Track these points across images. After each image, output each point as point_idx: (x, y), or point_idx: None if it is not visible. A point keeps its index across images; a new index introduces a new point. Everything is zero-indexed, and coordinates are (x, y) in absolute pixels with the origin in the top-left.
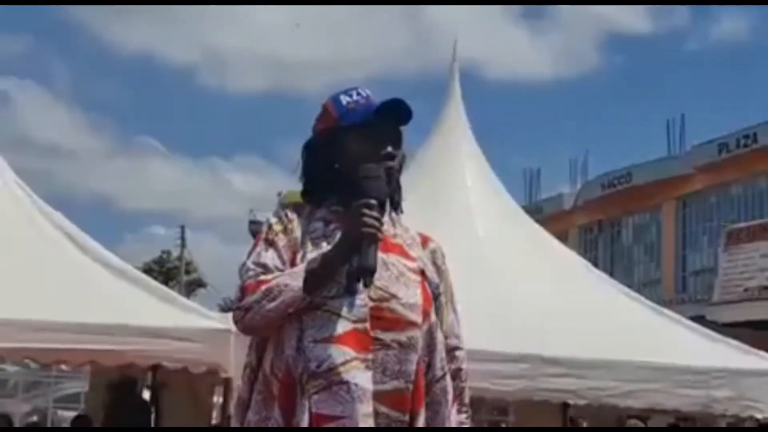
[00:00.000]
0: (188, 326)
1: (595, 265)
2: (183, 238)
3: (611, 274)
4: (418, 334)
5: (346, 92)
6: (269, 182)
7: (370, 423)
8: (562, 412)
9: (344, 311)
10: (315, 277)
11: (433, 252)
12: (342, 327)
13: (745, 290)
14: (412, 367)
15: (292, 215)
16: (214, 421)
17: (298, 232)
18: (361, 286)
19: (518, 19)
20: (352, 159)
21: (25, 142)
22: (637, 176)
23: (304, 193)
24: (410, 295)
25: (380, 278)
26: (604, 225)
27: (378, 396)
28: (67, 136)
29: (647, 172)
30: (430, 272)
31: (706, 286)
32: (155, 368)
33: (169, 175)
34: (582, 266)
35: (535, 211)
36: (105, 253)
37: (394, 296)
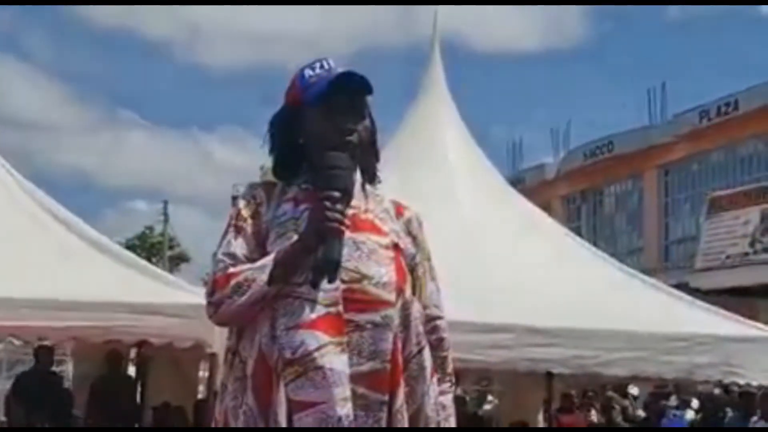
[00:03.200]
0: (172, 302)
1: (578, 234)
2: (166, 213)
3: (594, 244)
4: (392, 313)
5: (311, 65)
6: (252, 155)
7: (348, 407)
8: (546, 381)
9: (315, 296)
10: (281, 270)
11: (408, 222)
12: (314, 312)
13: (728, 257)
14: (388, 347)
15: (262, 197)
16: (199, 396)
17: (268, 215)
18: (325, 281)
19: None
20: (313, 135)
21: (3, 117)
22: (618, 145)
23: (275, 168)
24: (383, 274)
25: (351, 259)
26: (587, 194)
27: (355, 378)
28: (45, 111)
29: (629, 140)
30: (405, 244)
31: (688, 254)
32: (140, 344)
33: (150, 149)
34: (564, 235)
35: (517, 181)
36: (88, 229)
37: (365, 276)
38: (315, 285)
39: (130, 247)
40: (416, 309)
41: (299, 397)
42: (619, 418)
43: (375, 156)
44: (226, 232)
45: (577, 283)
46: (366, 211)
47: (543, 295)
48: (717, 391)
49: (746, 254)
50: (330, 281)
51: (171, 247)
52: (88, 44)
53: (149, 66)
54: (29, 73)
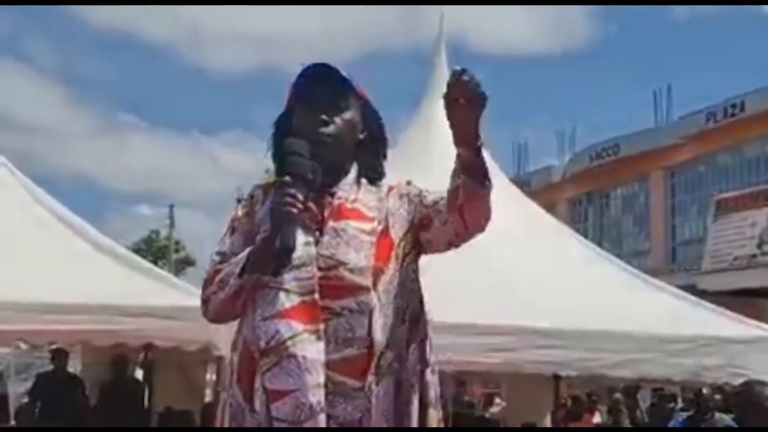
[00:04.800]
0: (179, 305)
1: (585, 236)
2: (172, 218)
3: (600, 245)
4: (368, 298)
5: (305, 69)
6: (256, 158)
7: (320, 393)
8: (553, 384)
9: (291, 285)
10: (253, 262)
11: (396, 192)
12: (289, 301)
13: (735, 259)
14: (365, 333)
15: (259, 196)
16: (207, 399)
17: (262, 212)
18: (304, 269)
19: None
20: (295, 132)
21: (6, 121)
22: (624, 147)
23: (277, 170)
24: (360, 259)
25: (329, 246)
26: (593, 196)
27: (333, 365)
28: (48, 115)
29: (635, 142)
30: (399, 216)
31: (695, 256)
32: (147, 347)
33: (152, 152)
34: (569, 237)
35: (523, 183)
36: (94, 233)
37: (341, 263)
38: (275, 273)
39: (136, 250)
40: (404, 278)
41: (274, 386)
42: (626, 422)
43: (377, 153)
44: (224, 234)
45: (582, 285)
46: (354, 200)
47: (548, 297)
48: (705, 391)
49: (754, 256)
50: (283, 266)
51: (177, 251)
52: (90, 47)
53: (151, 69)
54: (31, 76)
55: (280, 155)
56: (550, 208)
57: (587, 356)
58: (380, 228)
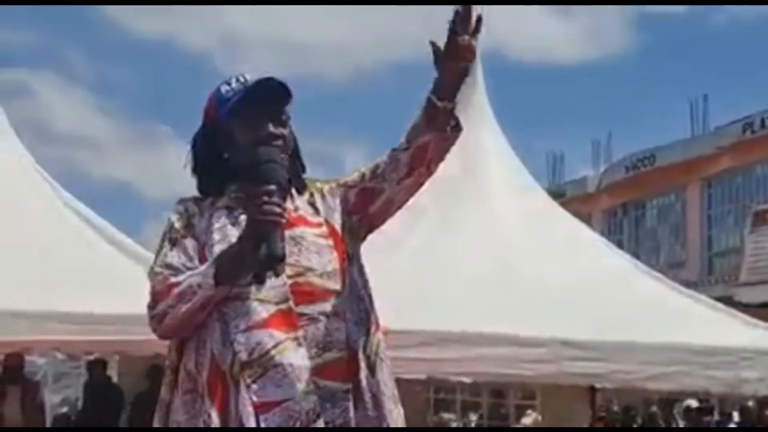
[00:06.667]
0: None
1: (620, 247)
2: None
3: (636, 256)
4: (341, 300)
5: (228, 80)
6: None
7: (312, 400)
8: (589, 395)
9: (264, 295)
10: (225, 272)
11: (318, 197)
12: (266, 311)
13: None
14: (342, 336)
15: (194, 209)
16: None
17: (202, 225)
18: (272, 275)
19: None
20: (236, 147)
21: (43, 129)
22: (661, 158)
23: (201, 186)
24: (325, 263)
25: (291, 255)
26: (629, 207)
27: (316, 370)
28: (82, 124)
29: (671, 153)
30: (332, 213)
31: (732, 267)
32: None
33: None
34: (604, 247)
35: (558, 194)
36: (128, 242)
37: (309, 269)
38: (261, 281)
39: None
40: (359, 284)
41: (263, 398)
42: None
43: (300, 166)
44: (161, 247)
45: (617, 296)
46: (296, 209)
47: (582, 307)
48: (751, 404)
49: None
50: (276, 275)
51: None
52: (127, 57)
53: (187, 80)
54: (68, 86)
55: (249, 163)
56: (585, 218)
57: (624, 368)
58: (328, 230)
